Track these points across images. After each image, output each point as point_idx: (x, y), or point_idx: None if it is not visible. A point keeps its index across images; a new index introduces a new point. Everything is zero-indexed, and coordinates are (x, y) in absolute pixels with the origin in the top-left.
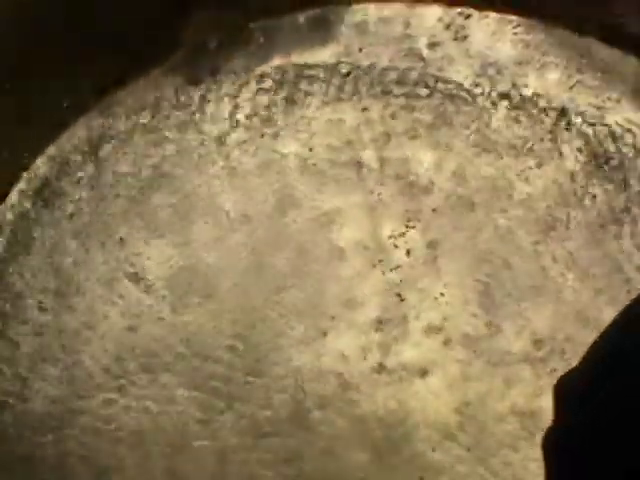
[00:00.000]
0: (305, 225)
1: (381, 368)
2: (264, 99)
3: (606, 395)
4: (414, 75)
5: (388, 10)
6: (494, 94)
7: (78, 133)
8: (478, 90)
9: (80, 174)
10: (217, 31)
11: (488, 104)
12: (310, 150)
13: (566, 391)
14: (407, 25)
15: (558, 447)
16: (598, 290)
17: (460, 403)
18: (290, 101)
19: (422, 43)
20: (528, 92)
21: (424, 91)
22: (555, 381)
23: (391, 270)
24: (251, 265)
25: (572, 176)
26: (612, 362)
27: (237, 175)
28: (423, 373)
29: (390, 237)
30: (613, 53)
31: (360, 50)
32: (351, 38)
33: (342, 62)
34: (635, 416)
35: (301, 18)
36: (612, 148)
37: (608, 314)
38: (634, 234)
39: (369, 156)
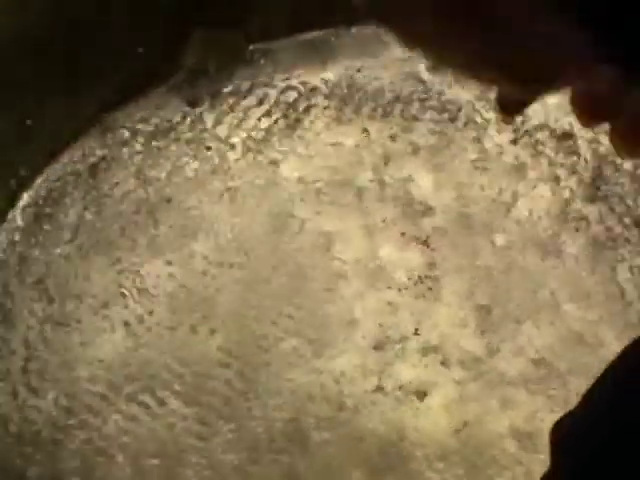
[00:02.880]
0: (304, 246)
1: (379, 388)
2: (263, 120)
3: (601, 441)
4: (414, 97)
5: (388, 33)
6: (493, 117)
7: (78, 153)
8: (478, 112)
9: (79, 194)
10: (217, 52)
11: (487, 126)
12: (309, 171)
13: (562, 436)
14: None
15: None
16: (596, 312)
17: (458, 424)
18: (290, 122)
19: (421, 66)
20: (528, 115)
21: (424, 113)
22: (552, 402)
23: (390, 290)
24: (249, 286)
25: (571, 198)
26: (608, 407)
27: (236, 196)
28: (421, 394)
29: (389, 258)
30: None
31: (360, 72)
32: (351, 60)
33: (342, 84)
34: (631, 462)
35: (301, 40)
36: (611, 171)
37: (606, 336)
38: (632, 256)
39: (368, 177)
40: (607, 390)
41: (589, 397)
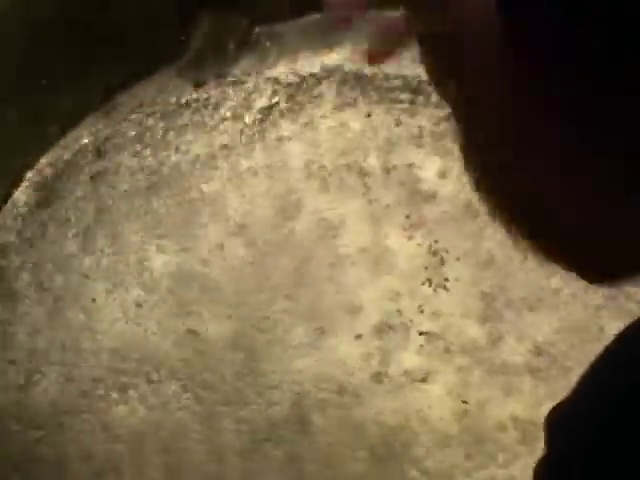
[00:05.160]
0: (308, 231)
1: (381, 375)
2: (269, 104)
3: (596, 425)
4: (419, 82)
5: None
6: None
7: (83, 134)
8: None
9: (84, 175)
10: (224, 35)
11: None
12: (314, 156)
13: (557, 422)
14: None
15: (549, 478)
16: (599, 301)
17: (459, 411)
18: (295, 106)
19: None
20: None
21: (429, 99)
22: (554, 390)
23: (393, 277)
24: (253, 270)
25: None
26: (604, 392)
27: (241, 179)
28: (423, 380)
29: (393, 244)
30: None
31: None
32: (357, 44)
33: (347, 68)
34: (627, 447)
35: (307, 23)
36: None
37: (608, 325)
38: None
39: (373, 162)
40: (602, 375)
41: (584, 382)
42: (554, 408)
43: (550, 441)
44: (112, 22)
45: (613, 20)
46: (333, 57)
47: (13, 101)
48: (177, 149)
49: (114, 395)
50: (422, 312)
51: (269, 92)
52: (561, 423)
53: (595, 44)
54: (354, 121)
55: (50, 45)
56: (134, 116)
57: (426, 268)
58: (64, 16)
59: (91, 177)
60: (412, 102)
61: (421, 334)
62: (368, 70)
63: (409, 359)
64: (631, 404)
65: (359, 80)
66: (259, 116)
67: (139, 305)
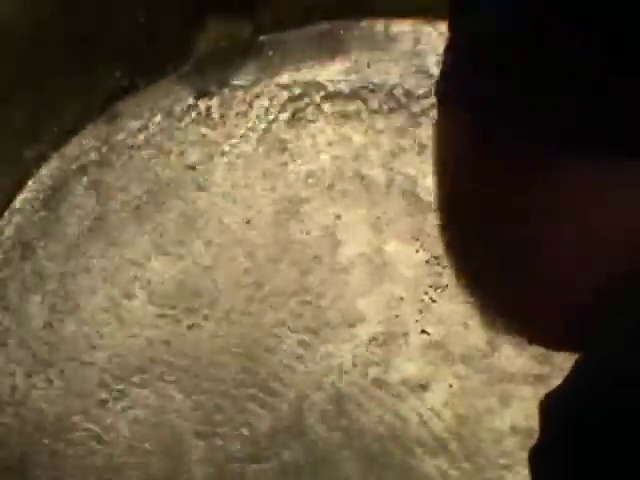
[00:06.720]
0: (310, 239)
1: (380, 382)
2: (272, 112)
3: (591, 411)
4: (423, 92)
5: (398, 26)
6: None
7: (85, 142)
8: None
9: (85, 182)
10: (227, 43)
11: None
12: (316, 165)
13: (551, 407)
14: (417, 42)
15: (542, 463)
16: None
17: (458, 419)
18: (297, 115)
19: (431, 60)
20: None
21: (432, 109)
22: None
23: (394, 285)
24: (253, 278)
25: None
26: (596, 378)
27: (242, 188)
28: (422, 388)
29: (394, 252)
30: None
31: (369, 66)
32: (360, 54)
33: (351, 77)
34: (620, 432)
35: (311, 32)
36: None
37: None
38: None
39: (375, 172)
40: (596, 358)
41: (578, 366)
42: (548, 394)
43: (544, 426)
44: (115, 28)
45: (613, 20)
46: (337, 67)
47: (13, 101)
48: (178, 157)
49: (112, 401)
50: (422, 320)
51: (271, 101)
52: (555, 409)
53: (595, 44)
54: (356, 131)
55: (50, 50)
56: (135, 124)
57: (427, 276)
58: (64, 17)
59: (91, 186)
60: (415, 112)
61: (421, 342)
62: (371, 79)
63: (409, 366)
64: (626, 386)
65: (362, 90)
66: (261, 125)
67: (138, 312)
